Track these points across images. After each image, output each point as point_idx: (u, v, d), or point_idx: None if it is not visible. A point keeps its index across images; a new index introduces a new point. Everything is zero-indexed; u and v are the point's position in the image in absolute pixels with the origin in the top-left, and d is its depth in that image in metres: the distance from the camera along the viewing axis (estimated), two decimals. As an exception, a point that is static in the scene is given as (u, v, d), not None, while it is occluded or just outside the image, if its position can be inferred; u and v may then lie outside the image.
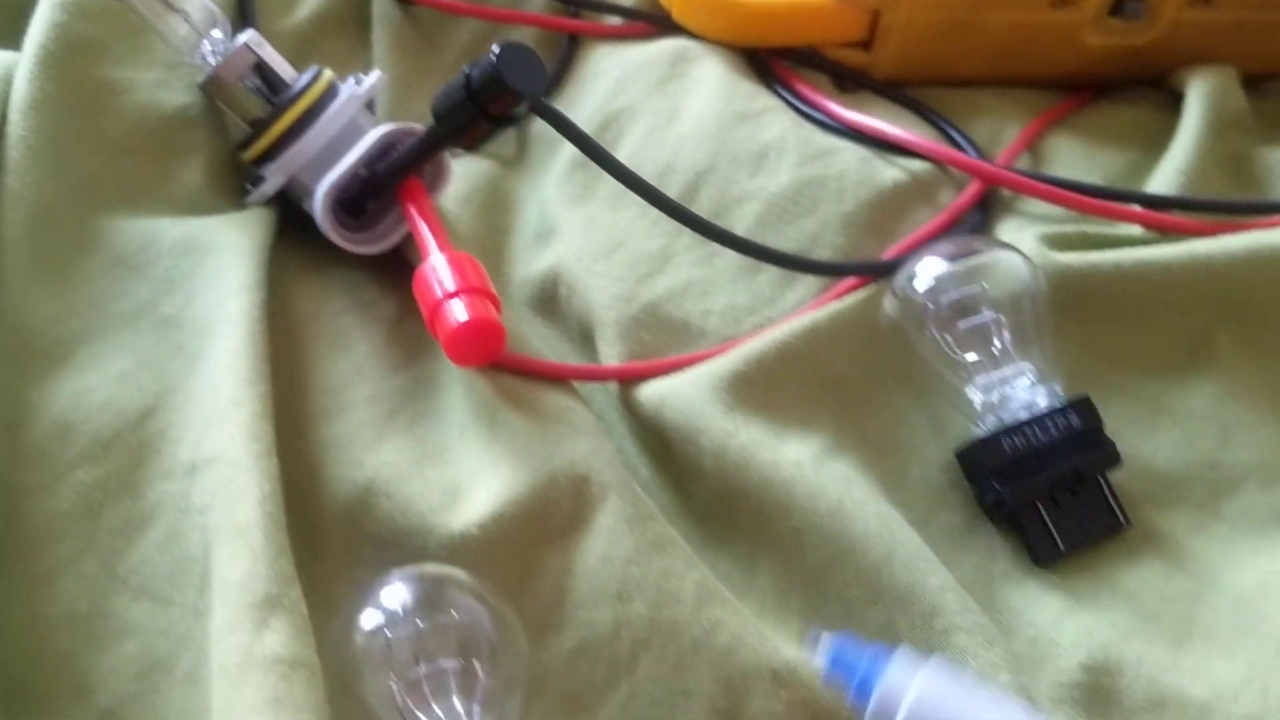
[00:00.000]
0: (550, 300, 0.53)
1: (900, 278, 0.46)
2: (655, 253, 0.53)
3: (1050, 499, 0.44)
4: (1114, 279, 0.48)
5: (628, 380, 0.48)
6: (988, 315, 0.46)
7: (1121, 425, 0.47)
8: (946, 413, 0.47)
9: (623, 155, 0.57)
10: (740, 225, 0.53)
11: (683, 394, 0.45)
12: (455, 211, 0.56)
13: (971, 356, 0.46)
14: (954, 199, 0.55)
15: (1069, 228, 0.51)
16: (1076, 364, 0.48)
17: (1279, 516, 0.45)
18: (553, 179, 0.58)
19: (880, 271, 0.50)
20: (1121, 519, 0.44)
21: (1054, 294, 0.48)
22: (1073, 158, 0.58)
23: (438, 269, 0.44)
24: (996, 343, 0.46)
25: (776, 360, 0.46)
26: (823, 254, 0.52)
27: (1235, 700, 0.38)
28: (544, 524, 0.41)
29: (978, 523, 0.45)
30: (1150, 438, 0.46)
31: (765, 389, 0.45)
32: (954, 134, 0.59)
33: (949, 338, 0.46)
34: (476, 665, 0.37)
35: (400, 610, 0.36)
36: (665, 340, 0.49)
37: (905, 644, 0.39)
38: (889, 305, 0.46)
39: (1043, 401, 0.45)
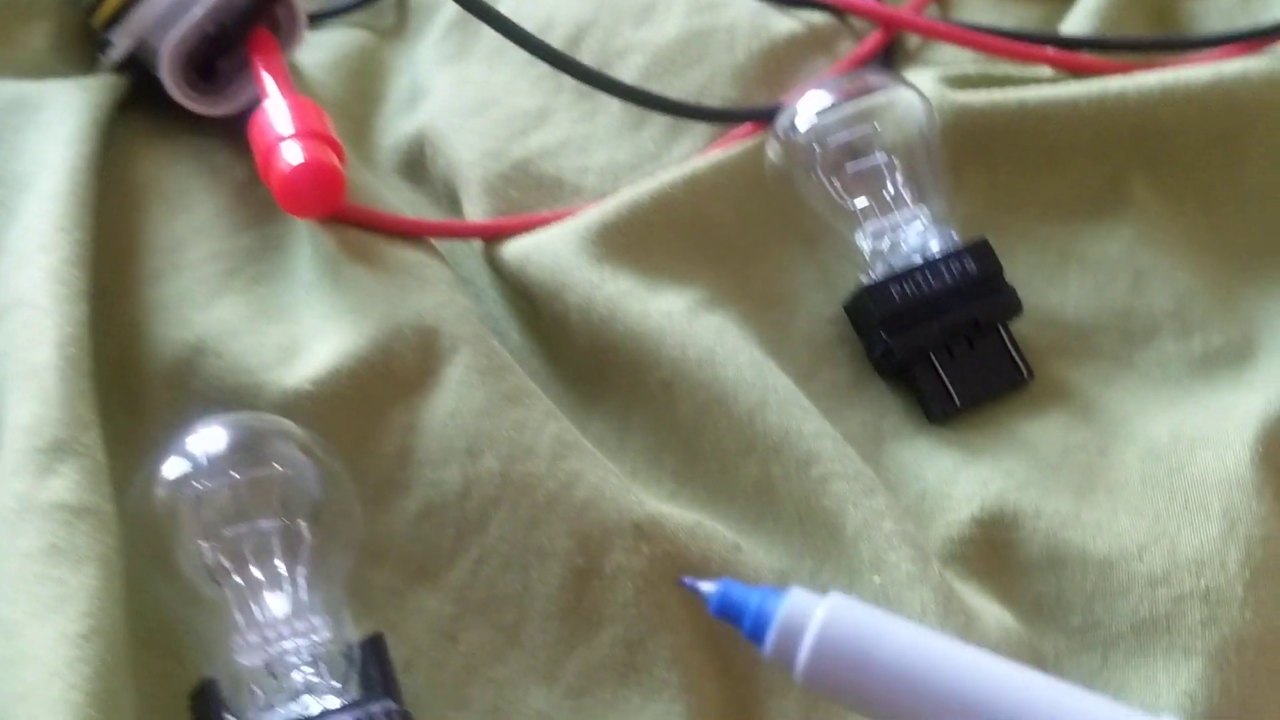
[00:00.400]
0: (417, 164, 0.49)
1: (783, 118, 0.43)
2: (533, 110, 0.49)
3: (945, 351, 0.40)
4: (1018, 119, 0.44)
5: (492, 238, 0.44)
6: (879, 158, 0.43)
7: (1027, 273, 0.43)
8: (837, 264, 0.43)
9: (504, 11, 0.52)
10: (625, 78, 0.49)
11: (548, 248, 0.41)
12: (321, 79, 0.52)
13: (861, 202, 0.42)
14: (854, 49, 0.51)
15: (973, 70, 0.47)
16: (979, 211, 0.45)
17: (1194, 365, 0.41)
18: (429, 43, 0.54)
19: (774, 117, 0.46)
20: (1023, 371, 0.40)
21: (953, 135, 0.44)
22: (983, 6, 0.54)
23: (273, 113, 0.40)
24: (889, 187, 0.43)
25: (652, 210, 0.42)
26: (714, 105, 0.48)
27: (1139, 558, 0.35)
28: (387, 379, 0.37)
29: (867, 379, 0.41)
30: (1058, 286, 0.43)
31: (638, 240, 0.42)
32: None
33: (837, 182, 0.42)
34: (301, 525, 0.33)
35: (212, 460, 0.32)
36: (536, 198, 0.45)
37: (782, 494, 0.36)
38: (772, 149, 0.43)
39: (936, 246, 0.41)
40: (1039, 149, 0.45)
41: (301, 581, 0.33)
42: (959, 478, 0.38)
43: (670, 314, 0.39)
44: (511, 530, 0.35)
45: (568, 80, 0.49)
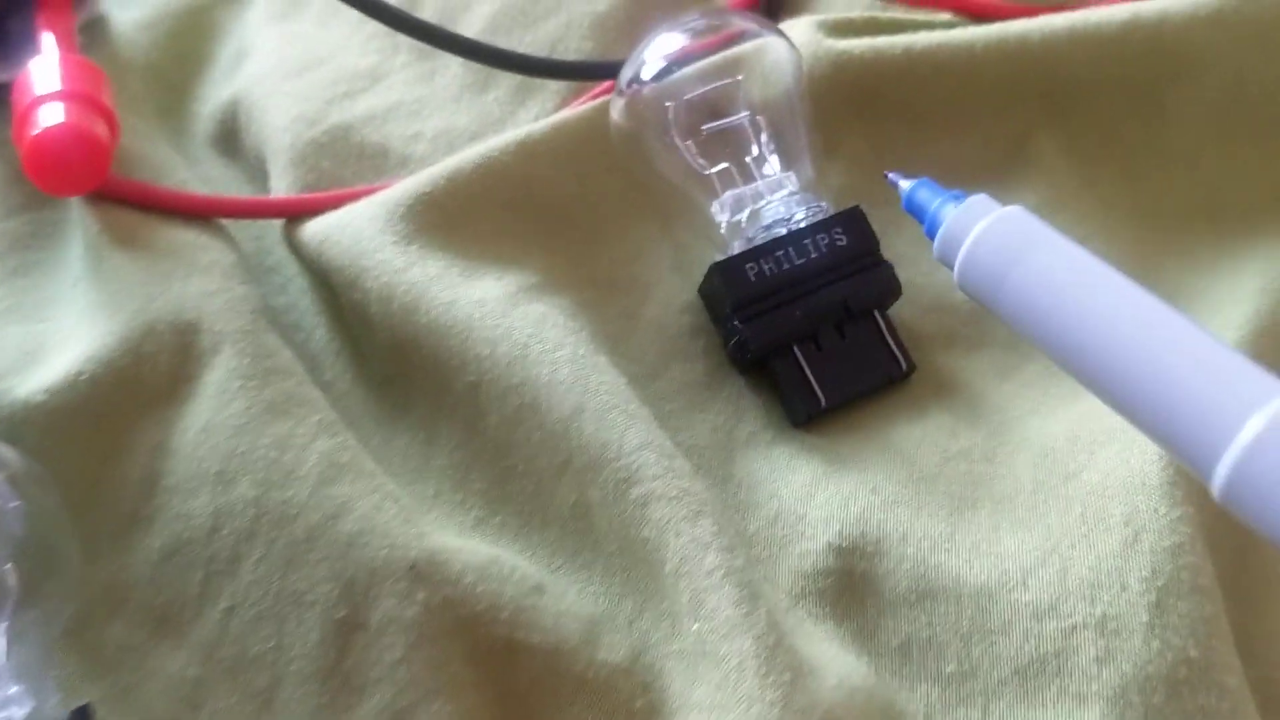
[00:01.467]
0: (231, 134, 0.43)
1: (628, 70, 0.36)
2: (364, 70, 0.43)
3: (810, 341, 0.34)
4: (905, 69, 0.38)
5: (292, 216, 0.37)
6: (741, 116, 0.36)
7: (913, 248, 0.37)
8: (695, 242, 0.37)
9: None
10: (470, 30, 0.44)
11: (349, 227, 0.35)
12: (135, 39, 0.45)
13: (719, 168, 0.36)
14: (736, -7, 0.44)
15: (859, 15, 0.41)
16: (861, 176, 0.39)
17: None
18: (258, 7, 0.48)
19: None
20: (901, 364, 0.34)
21: (832, 89, 0.38)
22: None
23: (35, 74, 0.34)
24: (752, 150, 0.36)
25: (475, 181, 0.36)
26: (565, 60, 0.42)
27: (1024, 584, 0.29)
28: (135, 388, 0.31)
29: (723, 375, 0.35)
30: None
31: (457, 217, 0.36)
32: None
33: (691, 145, 0.36)
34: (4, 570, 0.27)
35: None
36: (354, 169, 0.40)
37: (600, 521, 0.30)
38: (616, 107, 0.36)
39: (803, 217, 0.35)
40: (930, 104, 0.39)
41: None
42: (817, 495, 0.32)
43: (483, 303, 0.33)
44: (266, 572, 0.29)
45: (405, 37, 0.42)
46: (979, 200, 0.26)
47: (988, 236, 0.25)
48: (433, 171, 0.36)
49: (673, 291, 0.37)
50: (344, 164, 0.40)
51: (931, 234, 0.27)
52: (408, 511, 0.30)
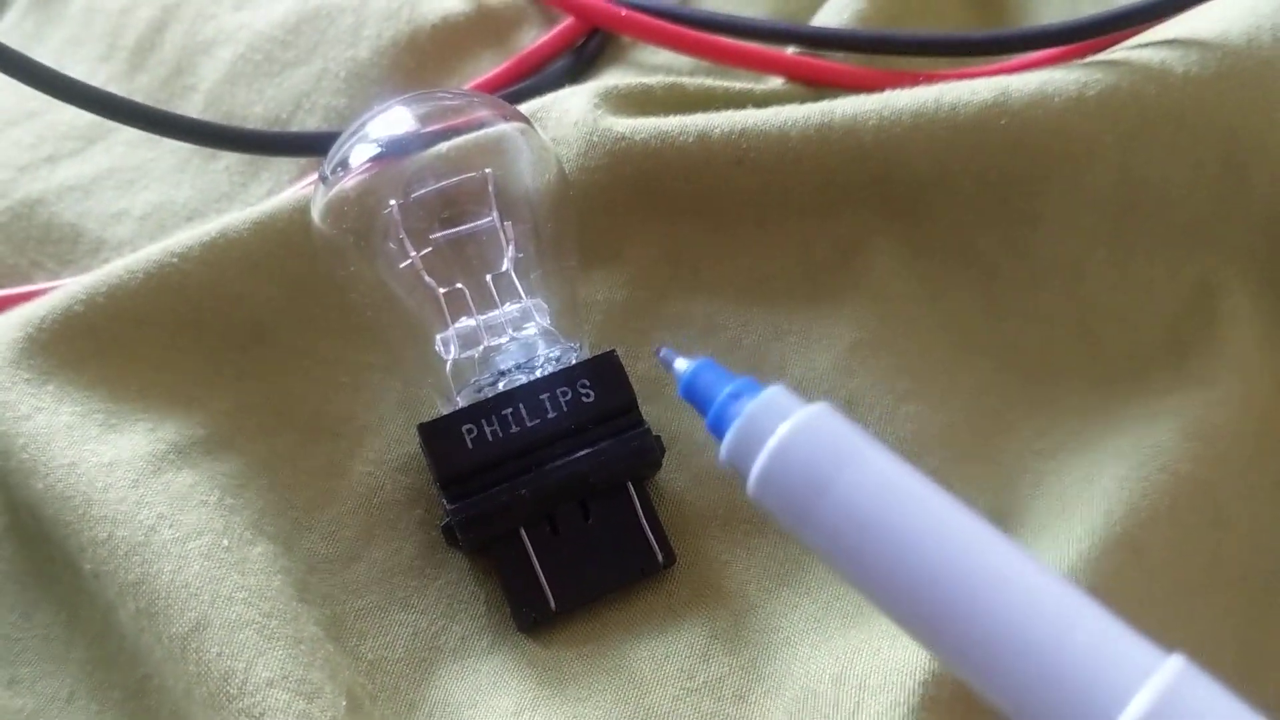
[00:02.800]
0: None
1: (335, 154, 0.29)
2: (82, 127, 0.35)
3: (546, 524, 0.27)
4: (702, 160, 0.30)
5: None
6: (484, 220, 0.29)
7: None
8: (423, 377, 0.29)
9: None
10: (207, 79, 0.35)
11: (-21, 353, 0.28)
12: None
13: (451, 287, 0.28)
14: (536, 41, 0.36)
15: (665, 80, 0.33)
16: (643, 294, 0.31)
17: None
18: (6, 23, 0.40)
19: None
20: (658, 555, 0.27)
21: (613, 182, 0.31)
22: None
23: None
24: (499, 264, 0.29)
25: (145, 296, 0.29)
26: (310, 121, 0.34)
27: None
28: None
29: (440, 557, 0.28)
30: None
31: (116, 344, 0.28)
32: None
33: (414, 255, 0.28)
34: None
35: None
36: (33, 258, 0.32)
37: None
38: (321, 202, 0.28)
39: (545, 361, 0.28)
40: (735, 203, 0.31)
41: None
42: (516, 745, 0.24)
43: (113, 467, 0.26)
44: None
45: (143, 79, 0.35)
46: (777, 395, 0.21)
47: (793, 447, 0.20)
48: (91, 282, 0.29)
49: (394, 440, 0.29)
50: (21, 250, 0.32)
51: (717, 431, 0.21)
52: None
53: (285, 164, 0.34)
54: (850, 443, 0.20)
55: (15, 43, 0.38)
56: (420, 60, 0.36)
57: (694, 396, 0.22)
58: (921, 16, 0.38)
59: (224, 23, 0.37)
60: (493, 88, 0.35)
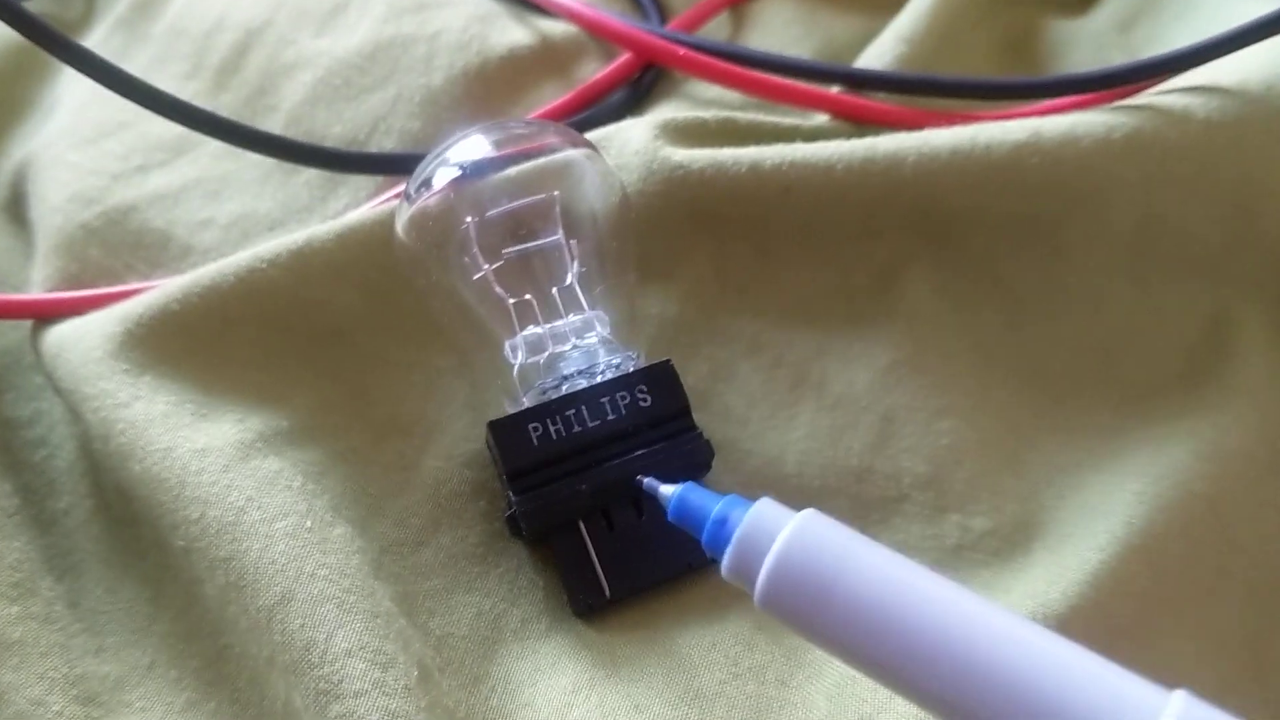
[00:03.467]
0: (21, 201, 0.38)
1: (419, 175, 0.31)
2: (169, 139, 0.38)
3: (602, 518, 0.29)
4: (753, 189, 0.33)
5: (39, 319, 0.32)
6: (551, 238, 0.31)
7: (746, 405, 0.32)
8: (491, 380, 0.32)
9: (172, 11, 0.41)
10: (288, 100, 0.38)
11: (80, 344, 0.30)
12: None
13: (521, 298, 0.30)
14: (596, 74, 0.39)
15: (719, 115, 0.35)
16: (697, 311, 0.33)
17: (940, 560, 0.30)
18: (94, 39, 0.43)
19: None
20: (706, 550, 0.29)
21: (670, 206, 0.33)
22: (787, 24, 0.42)
23: None
24: (564, 279, 0.31)
25: (236, 298, 0.31)
26: (386, 142, 0.37)
27: None
28: None
29: (502, 546, 0.30)
30: (782, 425, 0.32)
31: (208, 341, 0.31)
32: (637, -16, 0.43)
33: (488, 269, 0.30)
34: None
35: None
36: (126, 260, 0.34)
37: None
38: (404, 218, 0.31)
39: (605, 367, 0.30)
40: (781, 228, 0.33)
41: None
42: (573, 710, 0.27)
43: (205, 453, 0.28)
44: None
45: (226, 98, 0.37)
46: (767, 508, 0.22)
47: (791, 558, 0.21)
48: (186, 283, 0.31)
49: (460, 438, 0.31)
50: (115, 253, 0.35)
51: (716, 547, 0.23)
52: (82, 702, 0.25)
53: (362, 181, 0.37)
54: (842, 544, 0.21)
55: (109, 51, 0.41)
56: (489, 88, 0.39)
57: (685, 519, 0.24)
58: (956, 60, 0.41)
59: (304, 48, 0.40)
60: (555, 117, 0.38)
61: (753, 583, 0.21)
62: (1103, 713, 0.18)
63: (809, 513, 0.22)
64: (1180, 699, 0.18)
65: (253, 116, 0.39)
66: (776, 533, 0.21)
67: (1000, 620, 0.19)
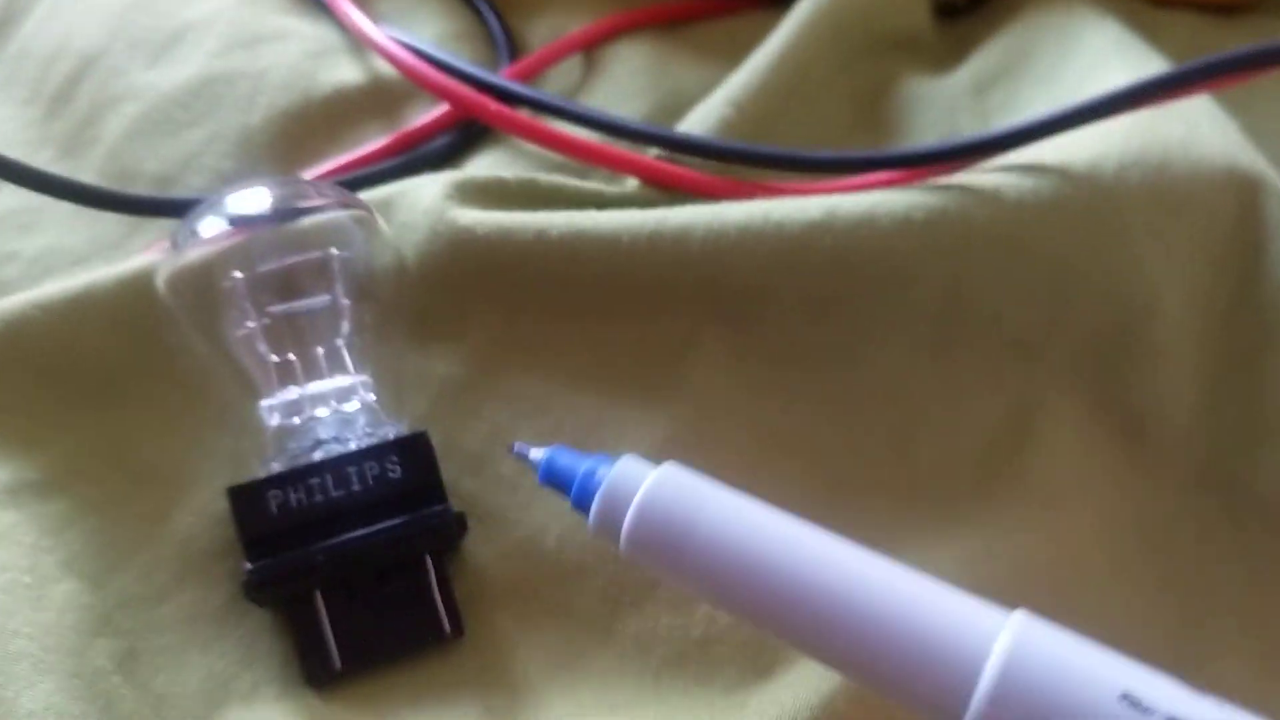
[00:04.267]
0: None
1: (187, 224, 0.31)
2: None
3: (342, 587, 0.28)
4: (540, 256, 0.32)
5: None
6: (322, 298, 0.31)
7: (517, 472, 0.32)
8: (250, 438, 0.31)
9: (23, 33, 0.41)
10: (110, 133, 0.38)
11: None
12: None
13: (286, 357, 0.30)
14: (422, 118, 0.38)
15: (521, 176, 0.35)
16: (484, 370, 0.33)
17: (684, 652, 0.29)
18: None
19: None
20: (445, 626, 0.29)
21: (454, 270, 0.33)
22: (634, 72, 0.42)
23: None
24: (335, 338, 0.31)
25: (3, 344, 0.30)
26: (197, 180, 0.36)
27: None
28: None
29: (245, 609, 0.30)
30: (549, 500, 0.31)
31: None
32: (491, 20, 0.42)
33: (254, 325, 0.30)
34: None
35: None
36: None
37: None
38: (166, 268, 0.31)
39: (359, 435, 0.30)
40: (573, 297, 0.33)
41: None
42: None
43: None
44: None
45: (57, 126, 0.37)
46: (630, 463, 0.24)
47: (653, 504, 0.23)
48: (-47, 324, 0.31)
49: (218, 493, 0.31)
50: (-94, 291, 0.34)
51: (582, 506, 0.24)
52: None
53: (166, 226, 0.36)
54: (701, 490, 0.23)
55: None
56: (307, 129, 0.38)
57: (554, 479, 0.25)
58: (800, 120, 0.40)
59: (134, 80, 0.39)
60: (372, 161, 0.37)
61: (618, 531, 0.23)
62: (946, 633, 0.20)
63: (670, 464, 0.24)
64: (1019, 619, 0.19)
65: (78, 147, 0.39)
66: (640, 482, 0.23)
67: (847, 555, 0.21)
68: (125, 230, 0.36)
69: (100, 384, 0.31)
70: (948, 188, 0.33)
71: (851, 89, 0.42)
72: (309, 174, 0.37)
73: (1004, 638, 0.19)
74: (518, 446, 0.27)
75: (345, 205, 0.31)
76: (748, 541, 0.22)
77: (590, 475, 0.24)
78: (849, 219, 0.32)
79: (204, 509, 0.31)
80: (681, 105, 0.41)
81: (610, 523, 0.23)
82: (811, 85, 0.40)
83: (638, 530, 0.23)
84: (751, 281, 0.33)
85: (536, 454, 0.26)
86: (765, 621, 0.22)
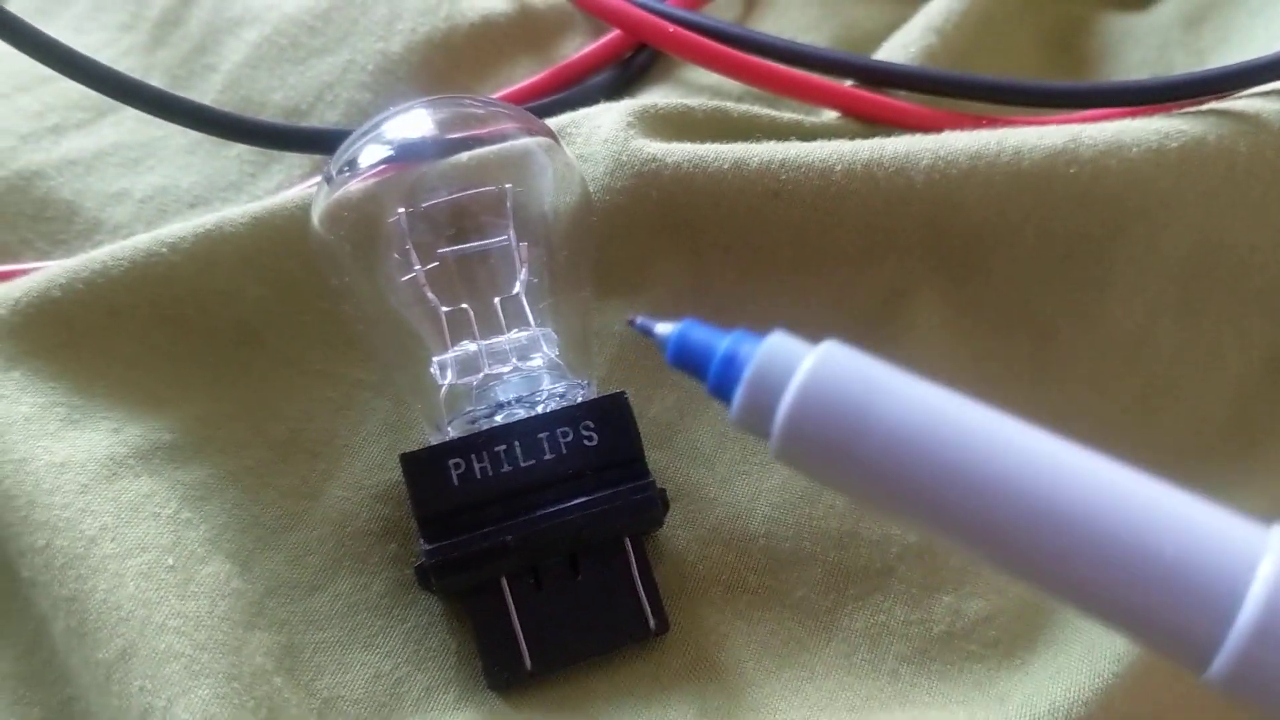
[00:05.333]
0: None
1: (343, 154, 0.26)
2: (95, 98, 0.33)
3: (529, 577, 0.24)
4: (736, 191, 0.28)
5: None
6: (500, 239, 0.26)
7: (713, 443, 0.27)
8: (416, 399, 0.27)
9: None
10: (228, 60, 0.34)
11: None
12: None
13: (458, 307, 0.26)
14: (581, 50, 0.34)
15: (709, 104, 0.30)
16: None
17: (923, 650, 0.25)
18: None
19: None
20: (650, 621, 0.24)
21: (638, 206, 0.28)
22: (804, 4, 0.37)
23: None
24: (510, 287, 0.26)
25: (127, 287, 0.27)
26: (330, 114, 0.32)
27: None
28: None
29: (411, 598, 0.26)
30: (755, 473, 0.27)
31: (91, 335, 0.26)
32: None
33: (419, 270, 0.26)
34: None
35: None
36: (23, 235, 0.31)
37: None
38: (322, 206, 0.26)
39: (548, 396, 0.25)
40: (770, 239, 0.28)
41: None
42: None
43: (65, 467, 0.24)
44: None
45: (164, 54, 0.33)
46: (782, 341, 0.18)
47: (818, 385, 0.17)
48: (74, 266, 0.27)
49: (375, 465, 0.27)
50: (11, 226, 0.31)
51: (723, 392, 0.19)
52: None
53: (298, 158, 0.32)
54: (875, 371, 0.18)
55: (36, 5, 0.36)
56: (454, 61, 0.34)
57: (687, 359, 0.20)
58: (993, 57, 0.36)
59: (253, 2, 0.35)
60: (528, 97, 0.33)
61: (769, 424, 0.18)
62: (1195, 551, 0.15)
63: (831, 342, 0.18)
64: None
65: (190, 76, 0.34)
66: (795, 365, 0.18)
67: (1061, 450, 0.16)
68: (248, 169, 0.32)
69: (234, 336, 0.27)
70: (1202, 115, 0.29)
71: (1047, 27, 0.38)
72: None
73: (1271, 560, 0.15)
74: (640, 320, 0.21)
75: (528, 130, 0.27)
76: (939, 433, 0.17)
77: (733, 353, 0.19)
78: (1096, 146, 0.28)
79: (359, 483, 0.27)
80: (856, 42, 0.36)
81: (760, 409, 0.18)
82: (1006, 22, 0.36)
83: (798, 419, 0.17)
84: (982, 219, 0.28)
85: (664, 328, 0.21)
86: (955, 528, 0.17)
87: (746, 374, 0.18)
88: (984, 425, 0.17)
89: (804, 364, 0.17)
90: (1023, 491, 0.16)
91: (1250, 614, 0.14)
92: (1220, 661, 0.14)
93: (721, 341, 0.19)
